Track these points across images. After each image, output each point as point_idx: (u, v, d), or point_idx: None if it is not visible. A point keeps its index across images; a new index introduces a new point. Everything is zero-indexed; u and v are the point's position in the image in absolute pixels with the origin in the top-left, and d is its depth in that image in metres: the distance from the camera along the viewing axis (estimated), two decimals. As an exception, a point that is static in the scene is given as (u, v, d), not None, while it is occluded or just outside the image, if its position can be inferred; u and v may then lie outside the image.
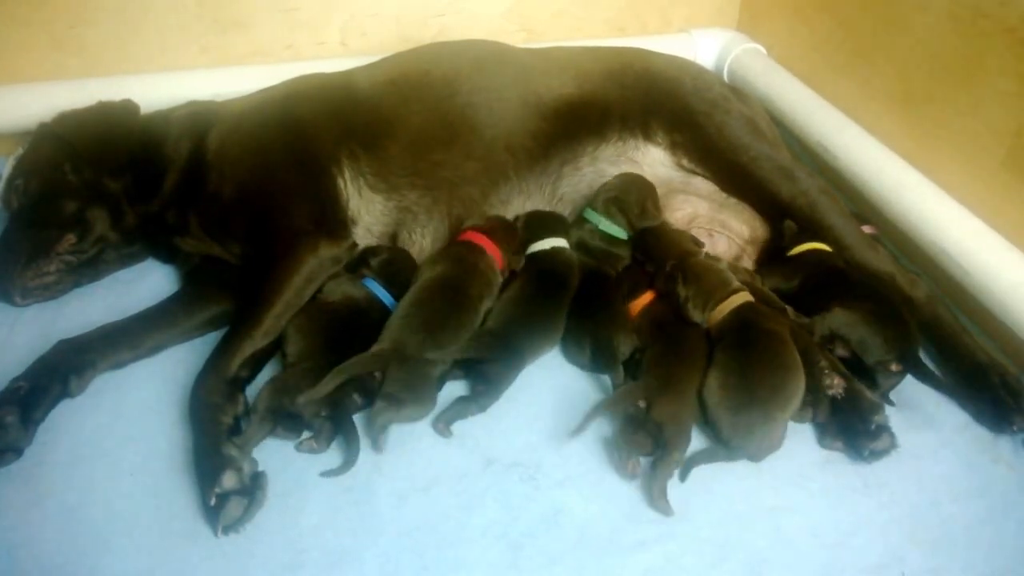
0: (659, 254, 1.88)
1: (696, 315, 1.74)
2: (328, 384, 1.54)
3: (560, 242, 1.93)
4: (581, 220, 2.01)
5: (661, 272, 1.84)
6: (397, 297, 1.82)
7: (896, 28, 2.20)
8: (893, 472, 1.57)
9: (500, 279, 1.88)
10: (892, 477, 1.56)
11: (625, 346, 1.73)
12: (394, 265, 1.88)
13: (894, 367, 1.67)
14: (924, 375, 1.67)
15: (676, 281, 1.79)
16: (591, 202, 2.03)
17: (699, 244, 1.93)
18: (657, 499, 1.48)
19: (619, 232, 1.96)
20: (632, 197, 1.98)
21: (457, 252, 1.87)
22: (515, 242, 1.94)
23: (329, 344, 1.69)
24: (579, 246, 1.96)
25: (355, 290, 1.82)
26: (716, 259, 1.89)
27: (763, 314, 1.69)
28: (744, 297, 1.73)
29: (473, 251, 1.86)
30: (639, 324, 1.79)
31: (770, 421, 1.54)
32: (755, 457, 1.55)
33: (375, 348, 1.64)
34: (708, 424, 1.60)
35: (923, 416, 1.68)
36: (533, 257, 1.91)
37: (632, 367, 1.73)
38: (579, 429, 1.58)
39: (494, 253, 1.88)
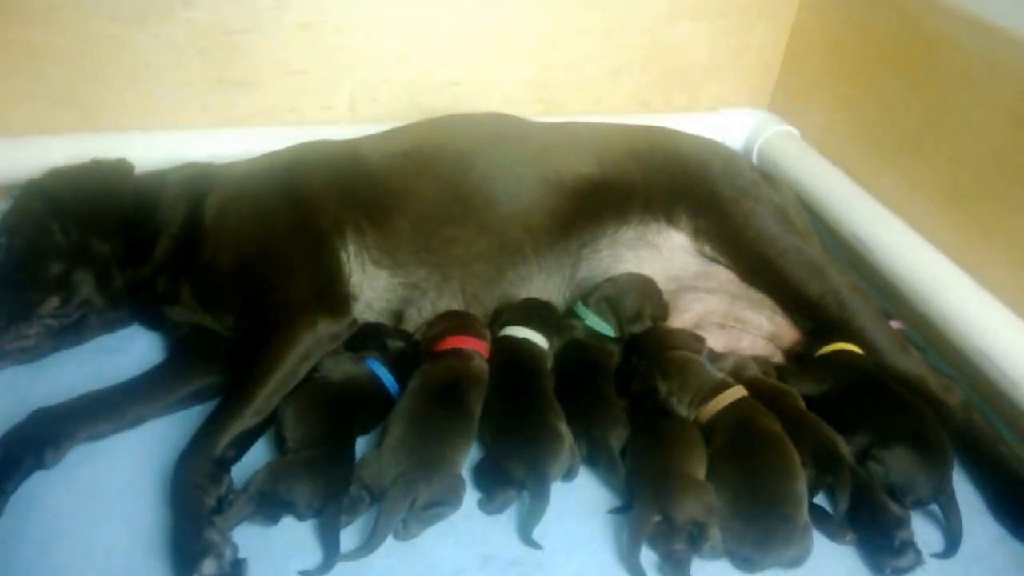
0: (651, 355, 1.93)
1: (682, 410, 1.80)
2: (386, 529, 1.57)
3: (534, 336, 1.98)
4: (570, 313, 2.08)
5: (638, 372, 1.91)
6: (402, 385, 1.87)
7: (948, 118, 2.26)
8: (923, 587, 1.59)
9: (487, 370, 1.92)
10: (922, 593, 1.59)
11: (619, 441, 1.79)
12: (408, 358, 1.94)
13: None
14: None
15: (654, 377, 1.84)
16: (585, 296, 2.09)
17: (700, 341, 1.99)
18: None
19: (606, 329, 2.03)
20: (629, 302, 2.04)
21: (450, 365, 1.89)
22: (486, 328, 2.02)
23: (331, 431, 1.74)
24: (567, 340, 2.03)
25: (357, 370, 1.87)
26: (698, 352, 1.95)
27: (760, 411, 1.75)
28: (739, 392, 1.79)
29: (462, 356, 1.91)
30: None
31: (787, 524, 1.58)
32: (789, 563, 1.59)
33: (394, 473, 1.64)
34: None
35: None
36: (498, 344, 1.98)
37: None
38: None
39: (482, 350, 1.94)
